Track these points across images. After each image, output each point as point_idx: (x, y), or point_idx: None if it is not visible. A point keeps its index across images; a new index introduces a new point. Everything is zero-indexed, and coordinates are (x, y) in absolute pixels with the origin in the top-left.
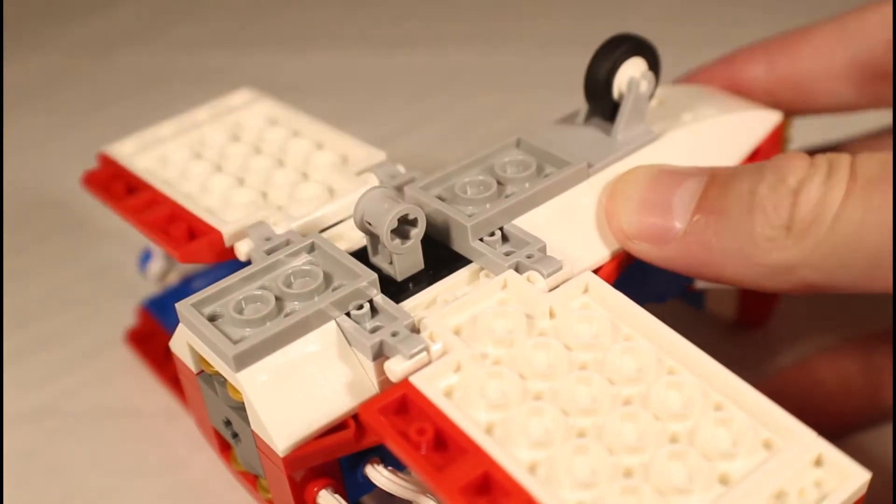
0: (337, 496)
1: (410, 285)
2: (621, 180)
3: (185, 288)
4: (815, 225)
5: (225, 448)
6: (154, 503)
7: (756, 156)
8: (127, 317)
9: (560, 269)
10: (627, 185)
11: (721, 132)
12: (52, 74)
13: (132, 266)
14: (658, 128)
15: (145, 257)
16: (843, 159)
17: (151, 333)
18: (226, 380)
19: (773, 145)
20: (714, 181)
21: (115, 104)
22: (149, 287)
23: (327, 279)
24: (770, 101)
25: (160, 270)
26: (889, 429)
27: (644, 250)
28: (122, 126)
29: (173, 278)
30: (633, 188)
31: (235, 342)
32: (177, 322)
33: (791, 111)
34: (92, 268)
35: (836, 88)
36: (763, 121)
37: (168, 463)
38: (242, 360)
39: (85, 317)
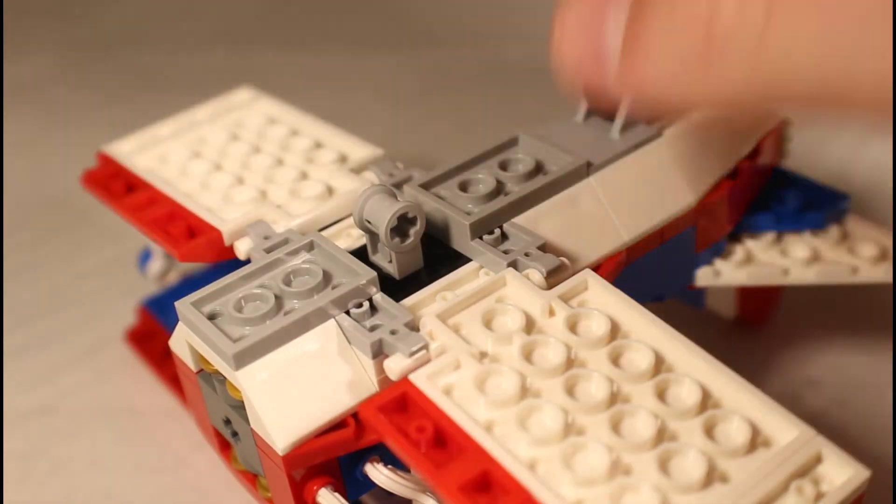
0: (336, 495)
1: (410, 284)
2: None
3: (185, 287)
4: (743, 36)
5: (225, 447)
6: (154, 502)
7: (757, 155)
8: (127, 316)
9: (559, 266)
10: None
11: (721, 130)
12: (53, 74)
13: (132, 265)
14: (657, 126)
15: (145, 256)
16: None
17: (151, 332)
18: (225, 378)
19: (774, 144)
20: None
21: (115, 104)
22: (149, 286)
23: (327, 278)
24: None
25: (160, 269)
26: (889, 428)
27: (581, 84)
28: (122, 125)
29: (173, 277)
30: (572, 9)
31: (235, 340)
32: (176, 321)
33: None
34: (92, 267)
35: None
36: (763, 119)
37: (168, 462)
38: (242, 359)
39: (85, 316)
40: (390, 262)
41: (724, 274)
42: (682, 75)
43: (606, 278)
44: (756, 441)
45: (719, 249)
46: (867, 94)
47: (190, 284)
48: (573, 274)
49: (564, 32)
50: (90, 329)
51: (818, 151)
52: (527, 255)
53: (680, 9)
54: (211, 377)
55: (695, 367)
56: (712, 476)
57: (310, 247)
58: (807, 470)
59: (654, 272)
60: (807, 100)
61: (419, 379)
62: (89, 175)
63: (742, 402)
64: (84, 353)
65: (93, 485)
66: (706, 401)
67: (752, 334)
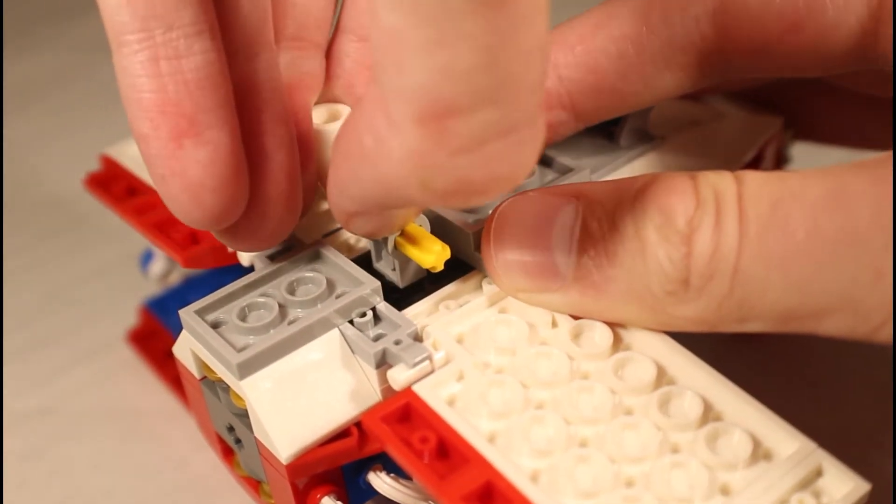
0: (339, 503)
1: (413, 292)
2: (501, 211)
3: (186, 288)
4: (716, 281)
5: (227, 453)
6: (154, 503)
7: (758, 161)
8: (128, 316)
9: None
10: (507, 217)
11: (723, 137)
12: (52, 74)
13: (133, 265)
14: (661, 133)
15: (147, 257)
16: (730, 193)
17: (153, 333)
18: (229, 386)
19: (775, 150)
20: (592, 212)
21: (115, 104)
22: (150, 286)
23: (330, 286)
24: (571, 116)
25: (162, 271)
26: (889, 438)
27: (526, 298)
28: (123, 126)
29: (175, 278)
30: (514, 218)
31: (239, 350)
32: (178, 322)
33: (598, 119)
34: (92, 267)
35: (653, 83)
36: (765, 126)
37: (168, 463)
38: (246, 368)
39: (85, 317)
40: (394, 270)
41: None
42: (652, 305)
43: None
44: (757, 454)
45: None
46: (836, 320)
47: (192, 285)
48: None
49: (504, 239)
50: (91, 329)
51: (819, 157)
52: None
53: (652, 240)
54: (214, 385)
55: (696, 380)
56: (714, 488)
57: (313, 255)
58: (807, 483)
59: None
60: (777, 324)
61: (422, 389)
62: (92, 178)
63: (743, 414)
64: (85, 353)
65: (94, 486)
66: (708, 413)
67: (753, 342)
